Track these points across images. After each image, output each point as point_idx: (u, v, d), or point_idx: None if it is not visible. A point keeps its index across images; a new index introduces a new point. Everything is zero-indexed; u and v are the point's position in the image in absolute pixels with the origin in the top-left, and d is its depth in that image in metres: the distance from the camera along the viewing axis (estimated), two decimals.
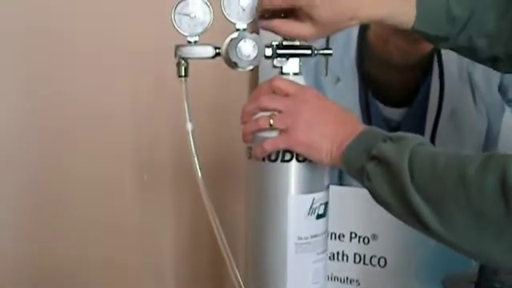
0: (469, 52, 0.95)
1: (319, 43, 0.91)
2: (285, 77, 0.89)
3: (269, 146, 0.86)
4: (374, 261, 1.29)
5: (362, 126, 0.84)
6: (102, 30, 1.26)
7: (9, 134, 1.20)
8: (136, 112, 1.34)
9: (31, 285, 1.25)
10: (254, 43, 0.83)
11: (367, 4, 0.87)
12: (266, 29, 0.87)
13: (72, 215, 1.27)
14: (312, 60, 0.91)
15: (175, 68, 0.88)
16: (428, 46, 1.26)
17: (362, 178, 0.80)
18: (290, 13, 0.86)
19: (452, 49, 0.95)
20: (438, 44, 0.96)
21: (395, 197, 0.76)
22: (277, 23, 0.86)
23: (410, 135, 0.79)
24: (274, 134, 0.86)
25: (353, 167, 0.81)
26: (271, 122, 0.85)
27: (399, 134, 0.80)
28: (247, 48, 0.83)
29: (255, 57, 0.83)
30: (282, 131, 0.85)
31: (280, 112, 0.85)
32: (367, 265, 1.30)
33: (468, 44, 0.92)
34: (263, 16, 0.86)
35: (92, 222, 1.29)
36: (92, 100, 1.27)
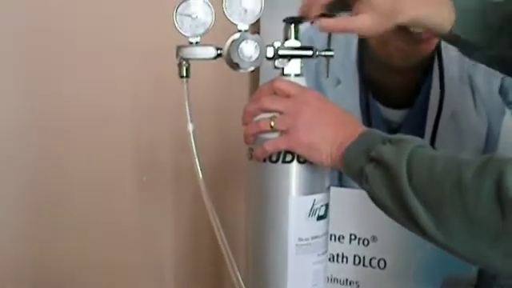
0: (499, 62, 0.96)
1: (320, 45, 0.91)
2: (286, 78, 0.89)
3: (269, 147, 0.86)
4: (374, 263, 1.29)
5: (362, 128, 0.84)
6: (102, 29, 1.26)
7: (9, 134, 1.20)
8: (136, 112, 1.34)
9: (31, 285, 1.25)
10: (255, 44, 0.83)
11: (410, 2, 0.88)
12: (325, 29, 0.88)
13: (72, 215, 1.27)
14: (313, 61, 0.91)
15: (175, 68, 0.88)
16: (428, 48, 1.26)
17: (360, 179, 0.80)
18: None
19: (483, 60, 0.97)
20: (471, 53, 0.97)
21: (393, 199, 0.76)
22: (335, 20, 0.87)
23: (409, 137, 0.79)
24: (274, 135, 0.86)
25: (352, 169, 0.81)
26: (272, 123, 0.85)
27: (399, 136, 0.80)
28: (249, 49, 0.82)
29: (257, 58, 0.83)
30: (282, 132, 0.85)
31: (281, 113, 0.85)
32: (367, 266, 1.30)
33: (499, 54, 0.93)
34: (320, 15, 0.87)
35: (92, 222, 1.29)
36: (92, 100, 1.27)
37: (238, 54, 0.83)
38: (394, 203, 0.76)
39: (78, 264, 1.28)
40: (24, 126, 1.21)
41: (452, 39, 0.93)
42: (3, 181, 1.20)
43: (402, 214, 0.75)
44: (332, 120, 0.85)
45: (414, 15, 0.89)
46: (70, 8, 1.22)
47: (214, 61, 0.88)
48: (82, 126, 1.26)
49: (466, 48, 0.96)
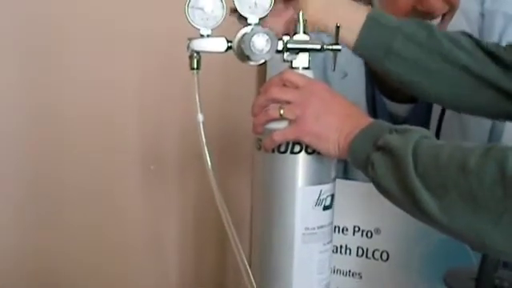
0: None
1: (327, 39, 0.93)
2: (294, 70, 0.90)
3: (278, 137, 0.88)
4: (377, 255, 1.30)
5: (368, 119, 0.86)
6: (111, 18, 1.26)
7: (10, 122, 1.20)
8: (142, 103, 1.35)
9: (31, 283, 1.25)
10: (267, 37, 0.84)
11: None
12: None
13: (75, 206, 1.28)
14: (320, 55, 0.92)
15: (182, 59, 0.89)
16: None
17: (366, 167, 0.82)
18: None
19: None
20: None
21: (398, 185, 0.78)
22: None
23: (415, 128, 0.81)
24: (283, 125, 0.87)
25: (358, 157, 0.83)
26: (281, 111, 0.86)
27: (405, 126, 0.82)
28: (261, 42, 0.84)
29: (268, 51, 0.84)
30: (291, 122, 0.87)
31: (290, 103, 0.87)
32: (370, 258, 1.30)
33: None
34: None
35: (96, 212, 1.30)
36: (99, 91, 1.28)
37: (250, 47, 0.84)
38: (399, 189, 0.78)
39: (79, 259, 1.29)
40: (27, 115, 1.21)
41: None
42: (6, 169, 1.21)
43: (407, 199, 0.77)
44: (339, 111, 0.87)
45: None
46: (71, 3, 1.23)
47: (220, 54, 0.89)
48: (87, 117, 1.27)
49: None
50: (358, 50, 0.97)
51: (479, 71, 0.96)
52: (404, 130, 0.81)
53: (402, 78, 0.98)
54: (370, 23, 0.95)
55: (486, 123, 1.24)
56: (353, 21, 0.95)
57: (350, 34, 0.95)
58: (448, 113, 1.27)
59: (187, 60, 0.87)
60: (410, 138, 0.78)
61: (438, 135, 1.28)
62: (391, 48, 0.95)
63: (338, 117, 0.86)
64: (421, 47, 0.96)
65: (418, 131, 0.80)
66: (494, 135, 1.24)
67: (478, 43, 0.98)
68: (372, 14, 0.96)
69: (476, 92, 0.98)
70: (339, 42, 0.91)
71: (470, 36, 1.00)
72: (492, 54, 0.97)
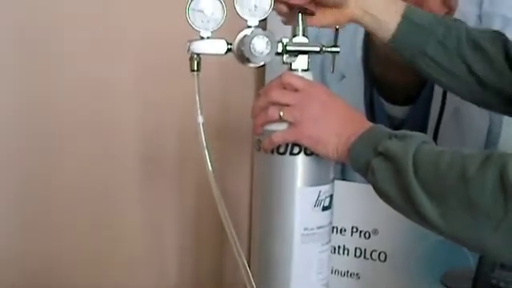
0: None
1: (326, 40, 0.93)
2: (294, 73, 0.91)
3: (277, 138, 0.88)
4: (375, 255, 1.31)
5: (368, 124, 0.86)
6: (112, 20, 1.26)
7: (8, 123, 1.20)
8: (141, 105, 1.35)
9: (30, 281, 1.26)
10: (267, 40, 0.84)
11: None
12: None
13: (75, 208, 1.28)
14: (318, 57, 0.93)
15: (181, 60, 0.89)
16: None
17: (366, 172, 0.82)
18: None
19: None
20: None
21: (398, 190, 0.78)
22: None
23: (414, 133, 0.82)
24: (282, 127, 0.88)
25: (358, 162, 0.83)
26: (281, 113, 0.87)
27: (404, 132, 0.82)
28: (261, 44, 0.84)
29: (268, 53, 0.85)
30: (290, 124, 0.87)
31: (290, 106, 0.87)
32: (367, 259, 1.31)
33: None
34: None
35: (94, 212, 1.30)
36: (97, 91, 1.28)
37: (250, 49, 0.84)
38: (399, 195, 0.78)
39: (79, 256, 1.29)
40: (27, 117, 1.21)
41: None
42: (6, 167, 1.21)
43: (407, 205, 0.78)
44: (339, 115, 0.87)
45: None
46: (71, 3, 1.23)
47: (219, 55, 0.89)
48: (87, 118, 1.27)
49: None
50: (392, 47, 0.99)
51: (496, 83, 0.97)
52: (404, 136, 0.81)
53: (430, 76, 1.00)
54: (406, 23, 0.96)
55: (484, 125, 1.25)
56: (388, 17, 0.97)
57: (385, 31, 0.97)
58: (446, 115, 1.28)
59: (187, 61, 0.88)
60: (410, 144, 0.79)
61: (435, 136, 1.29)
62: (425, 51, 0.97)
63: (337, 120, 0.87)
64: (450, 55, 0.97)
65: (417, 137, 0.81)
66: (491, 136, 1.24)
67: (506, 47, 0.97)
68: (408, 13, 0.97)
69: (497, 102, 1.00)
70: (371, 35, 0.95)
71: (501, 39, 0.99)
72: None
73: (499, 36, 0.99)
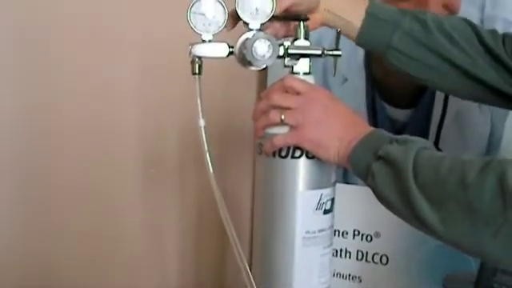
0: None
1: (328, 44, 0.93)
2: (296, 76, 0.91)
3: (278, 142, 0.88)
4: (376, 258, 1.31)
5: (369, 128, 0.86)
6: (113, 22, 1.26)
7: (10, 123, 1.19)
8: (142, 107, 1.35)
9: (30, 281, 1.25)
10: (269, 43, 0.84)
11: None
12: None
13: (74, 209, 1.27)
14: (320, 60, 0.93)
15: (182, 63, 0.88)
16: None
17: (367, 177, 0.82)
18: None
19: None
20: None
21: (398, 195, 0.78)
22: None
23: (415, 138, 0.82)
24: (284, 130, 0.88)
25: (359, 166, 0.83)
26: (282, 116, 0.87)
27: (405, 137, 0.82)
28: (263, 48, 0.84)
29: (270, 56, 0.84)
30: (292, 128, 0.87)
31: (291, 109, 0.87)
32: (369, 262, 1.31)
33: None
34: None
35: (95, 214, 1.30)
36: (99, 94, 1.27)
37: (252, 52, 0.84)
38: (399, 200, 0.78)
39: (81, 259, 1.29)
40: (24, 115, 1.20)
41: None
42: (5, 170, 1.20)
43: (407, 210, 0.78)
44: (341, 119, 0.88)
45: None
46: (72, 3, 1.22)
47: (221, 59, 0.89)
48: (87, 120, 1.26)
49: None
50: (360, 45, 0.99)
51: (471, 68, 0.97)
52: (404, 141, 0.81)
53: (405, 71, 1.00)
54: (369, 19, 0.97)
55: (486, 129, 1.25)
56: (353, 15, 0.97)
57: (352, 30, 0.98)
58: (448, 118, 1.28)
59: (188, 63, 0.87)
60: (411, 149, 0.79)
61: (437, 140, 1.29)
62: (390, 44, 0.97)
63: (338, 124, 0.87)
64: (418, 44, 0.97)
65: (418, 142, 0.81)
66: (492, 140, 1.24)
67: (477, 33, 0.98)
68: (371, 9, 0.97)
69: (473, 89, 0.99)
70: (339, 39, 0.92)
71: (470, 25, 0.99)
72: (486, 46, 0.97)
73: (466, 21, 1.00)
